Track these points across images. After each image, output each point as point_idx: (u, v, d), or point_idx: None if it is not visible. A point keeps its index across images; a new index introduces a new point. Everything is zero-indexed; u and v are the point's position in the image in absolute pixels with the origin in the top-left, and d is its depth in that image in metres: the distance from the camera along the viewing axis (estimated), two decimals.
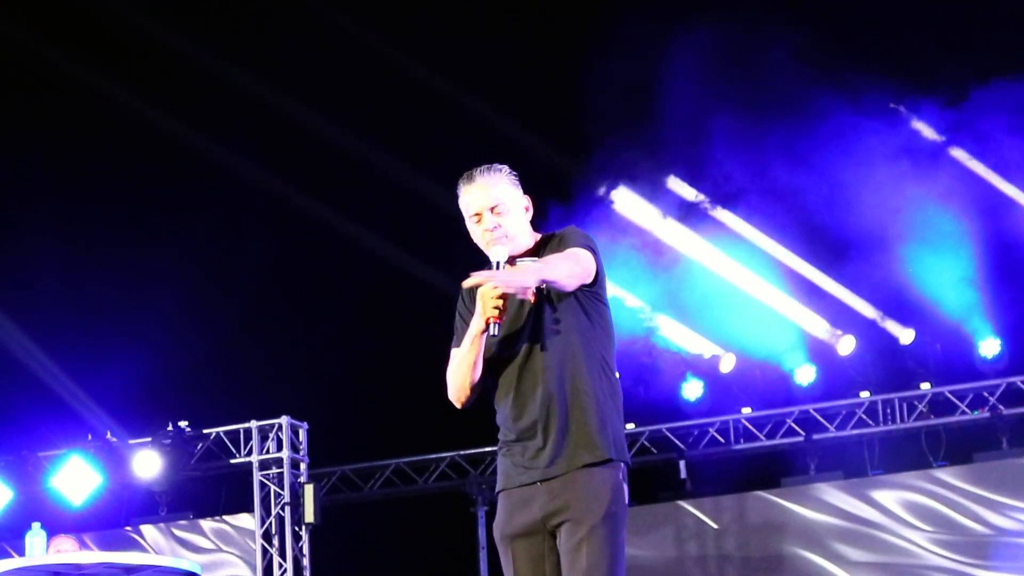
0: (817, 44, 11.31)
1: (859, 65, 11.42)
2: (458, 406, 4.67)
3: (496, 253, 4.57)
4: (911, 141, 12.02)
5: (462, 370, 4.59)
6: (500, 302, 4.41)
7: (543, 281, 4.44)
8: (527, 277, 4.38)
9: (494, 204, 4.60)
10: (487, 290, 4.41)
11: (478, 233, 4.63)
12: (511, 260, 4.58)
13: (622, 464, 4.54)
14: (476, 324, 4.50)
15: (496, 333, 4.47)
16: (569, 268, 4.47)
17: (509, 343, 4.56)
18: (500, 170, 4.66)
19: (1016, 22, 11.76)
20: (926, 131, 12.07)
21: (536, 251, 4.65)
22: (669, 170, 12.60)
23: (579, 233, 4.64)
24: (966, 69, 11.65)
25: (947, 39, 11.62)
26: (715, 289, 12.73)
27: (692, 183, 12.63)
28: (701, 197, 12.62)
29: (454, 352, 4.64)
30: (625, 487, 4.52)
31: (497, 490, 4.65)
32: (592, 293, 4.60)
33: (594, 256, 4.58)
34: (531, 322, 4.56)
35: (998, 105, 11.55)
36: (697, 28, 11.31)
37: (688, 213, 12.69)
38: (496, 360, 4.59)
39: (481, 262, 4.62)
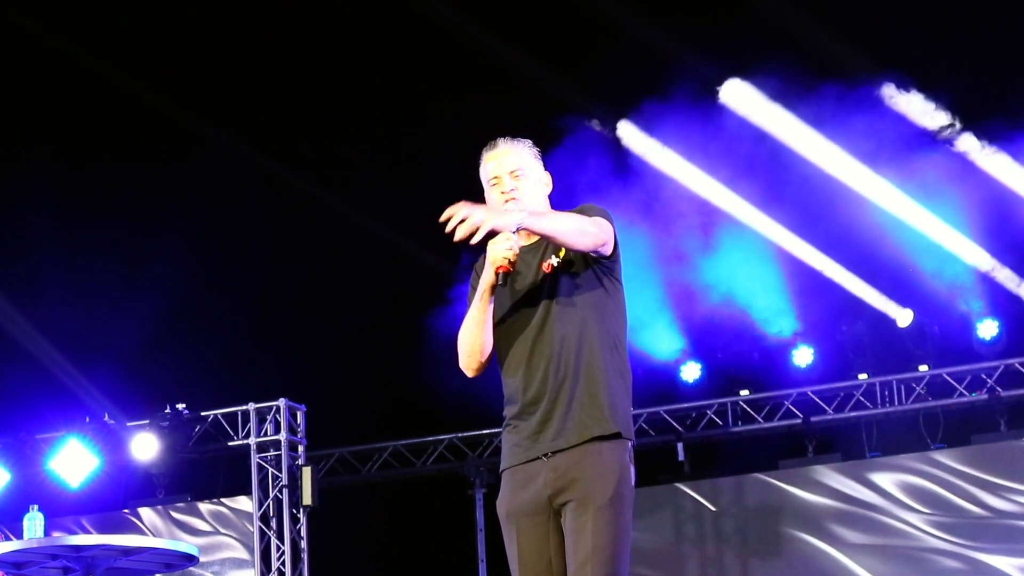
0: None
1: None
2: (469, 374, 4.59)
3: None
4: (910, 128, 12.03)
5: (472, 330, 4.51)
6: (510, 252, 4.36)
7: (540, 231, 4.39)
8: (511, 217, 4.34)
9: (513, 168, 4.58)
10: (497, 240, 4.38)
11: (495, 198, 4.58)
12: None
13: (629, 444, 4.48)
14: (486, 276, 4.44)
15: (506, 283, 4.42)
16: (577, 225, 4.40)
17: (523, 313, 4.51)
18: (524, 141, 4.66)
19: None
20: (925, 119, 12.07)
21: None
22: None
23: (597, 207, 4.58)
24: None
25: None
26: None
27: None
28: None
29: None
30: (632, 468, 4.46)
31: (502, 468, 4.58)
32: (608, 269, 4.55)
33: (613, 229, 4.53)
34: (547, 293, 4.50)
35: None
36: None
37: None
38: (509, 330, 4.53)
39: (480, 246, 4.51)
